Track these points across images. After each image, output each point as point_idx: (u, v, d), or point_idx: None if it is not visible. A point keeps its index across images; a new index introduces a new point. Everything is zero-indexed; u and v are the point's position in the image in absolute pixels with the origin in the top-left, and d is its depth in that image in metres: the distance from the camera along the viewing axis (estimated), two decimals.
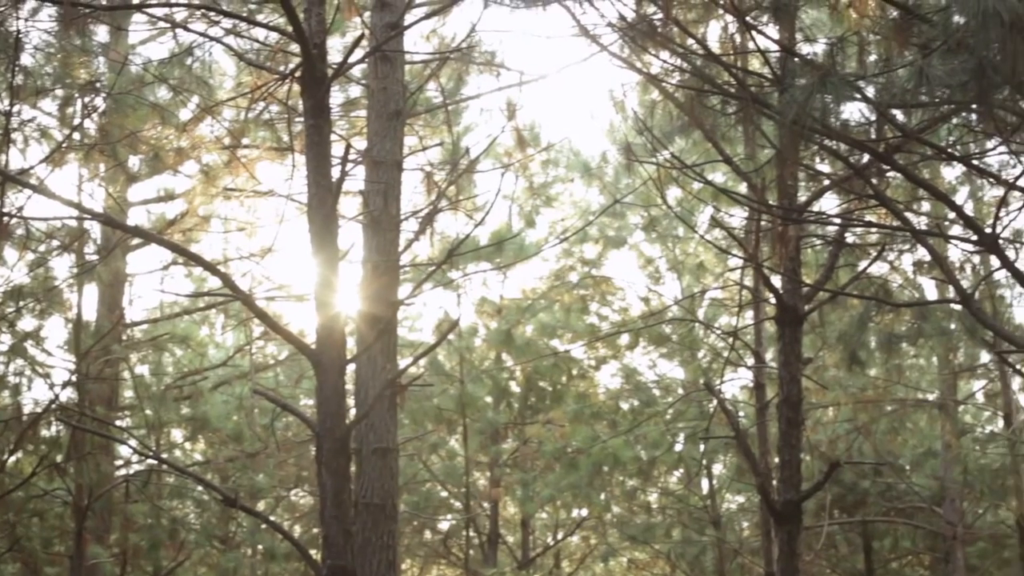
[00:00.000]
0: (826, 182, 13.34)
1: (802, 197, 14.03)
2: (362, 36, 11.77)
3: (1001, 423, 24.49)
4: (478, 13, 18.01)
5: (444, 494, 28.32)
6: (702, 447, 25.09)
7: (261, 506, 26.08)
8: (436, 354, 25.36)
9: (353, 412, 12.98)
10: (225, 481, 23.74)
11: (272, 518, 21.74)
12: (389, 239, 13.85)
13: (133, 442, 19.11)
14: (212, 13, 13.30)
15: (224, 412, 22.55)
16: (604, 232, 27.51)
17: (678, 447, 26.11)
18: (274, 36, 13.44)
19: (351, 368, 12.26)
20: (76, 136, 16.20)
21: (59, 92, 16.26)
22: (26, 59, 14.17)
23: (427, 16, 14.90)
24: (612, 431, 24.55)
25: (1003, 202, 10.56)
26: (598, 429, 24.80)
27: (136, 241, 21.25)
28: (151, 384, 21.51)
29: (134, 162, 20.48)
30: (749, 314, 20.14)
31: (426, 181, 15.76)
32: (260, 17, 14.96)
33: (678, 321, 24.28)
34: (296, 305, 22.13)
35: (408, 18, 14.51)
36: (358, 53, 11.76)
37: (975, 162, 11.68)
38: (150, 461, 20.70)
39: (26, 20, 13.17)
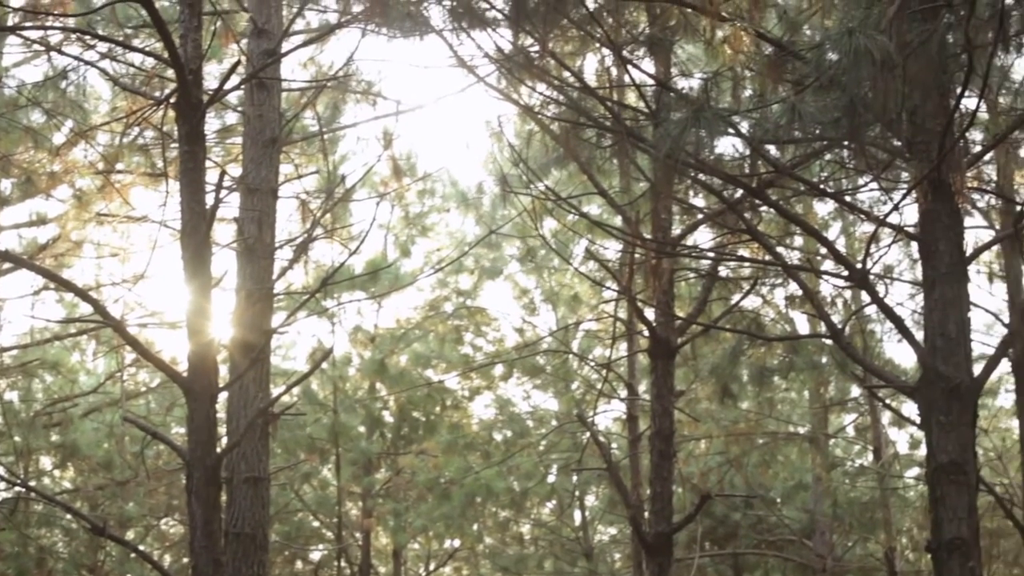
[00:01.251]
0: (700, 216, 13.44)
1: (676, 230, 14.13)
2: (239, 63, 11.69)
3: (871, 457, 24.81)
4: (356, 42, 17.90)
5: (316, 524, 28.06)
6: (575, 478, 25.15)
7: (131, 535, 25.66)
8: (309, 383, 25.17)
9: (225, 441, 12.84)
10: (94, 509, 23.35)
11: (142, 547, 21.44)
12: (263, 267, 13.73)
13: (1, 469, 18.73)
14: (88, 37, 13.13)
15: (94, 439, 22.21)
16: (480, 263, 27.52)
17: (551, 478, 26.15)
18: (150, 61, 13.29)
19: (223, 396, 12.11)
20: None
21: None
22: None
23: (304, 44, 14.83)
24: (485, 462, 24.52)
25: (873, 238, 10.70)
26: (471, 460, 24.76)
27: (7, 266, 20.87)
28: (20, 410, 21.12)
29: (6, 186, 20.12)
30: (623, 346, 20.25)
31: (301, 209, 15.68)
32: (136, 42, 14.78)
33: (552, 352, 24.35)
34: (168, 332, 21.90)
35: (285, 45, 14.41)
36: (235, 80, 11.68)
37: (847, 198, 11.83)
38: (18, 489, 20.28)
39: None
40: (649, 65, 12.39)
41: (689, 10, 11.23)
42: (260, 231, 13.79)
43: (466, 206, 27.14)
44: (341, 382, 25.90)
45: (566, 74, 11.67)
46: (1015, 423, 17.71)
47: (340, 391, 25.54)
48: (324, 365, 24.55)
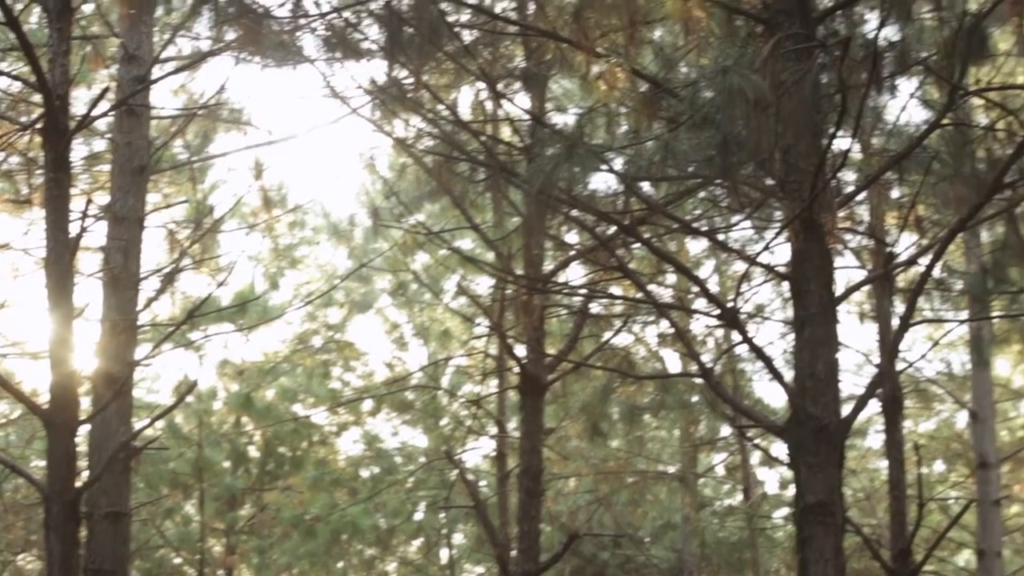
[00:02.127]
0: (572, 252, 13.41)
1: (548, 266, 14.09)
2: (108, 89, 11.47)
3: (740, 497, 24.95)
4: (228, 70, 17.72)
5: (178, 560, 27.57)
6: (442, 516, 24.98)
7: None
8: (174, 416, 24.77)
9: (85, 475, 12.56)
10: None
11: None
12: (128, 297, 13.51)
13: None
14: None
15: None
16: (350, 296, 27.32)
17: (418, 516, 25.98)
18: (17, 85, 13.05)
19: (84, 429, 11.85)
20: None
21: None
22: None
23: (176, 71, 14.64)
24: (351, 499, 24.31)
25: (745, 277, 10.74)
26: (337, 496, 24.53)
27: None
28: None
29: None
30: (493, 383, 20.16)
31: (169, 239, 15.43)
32: (3, 65, 14.49)
33: (422, 388, 24.21)
34: (30, 363, 21.40)
35: (156, 72, 14.21)
36: (104, 106, 11.47)
37: (719, 237, 11.86)
38: None
39: None
40: (524, 99, 12.38)
41: (565, 45, 11.21)
42: (126, 261, 13.57)
43: (337, 238, 26.97)
44: (206, 416, 25.53)
45: (440, 107, 11.60)
46: (884, 463, 17.88)
47: (205, 425, 25.17)
48: (189, 398, 24.22)
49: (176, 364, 34.56)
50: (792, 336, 10.06)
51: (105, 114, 13.18)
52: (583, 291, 13.96)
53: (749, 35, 10.31)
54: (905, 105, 10.92)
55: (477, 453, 26.71)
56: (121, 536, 13.03)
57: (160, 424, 23.19)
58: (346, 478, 25.99)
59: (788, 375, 10.06)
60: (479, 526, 23.38)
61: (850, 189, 11.21)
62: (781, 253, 11.21)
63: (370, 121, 11.69)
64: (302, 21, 11.23)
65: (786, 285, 10.36)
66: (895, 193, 11.98)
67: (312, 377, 26.31)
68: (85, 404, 11.90)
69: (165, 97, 17.17)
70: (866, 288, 13.77)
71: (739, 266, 16.62)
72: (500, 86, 11.94)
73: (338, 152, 45.60)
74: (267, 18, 11.15)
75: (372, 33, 11.13)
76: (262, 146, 15.51)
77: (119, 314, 13.32)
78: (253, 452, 26.58)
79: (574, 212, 10.89)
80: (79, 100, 15.98)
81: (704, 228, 11.82)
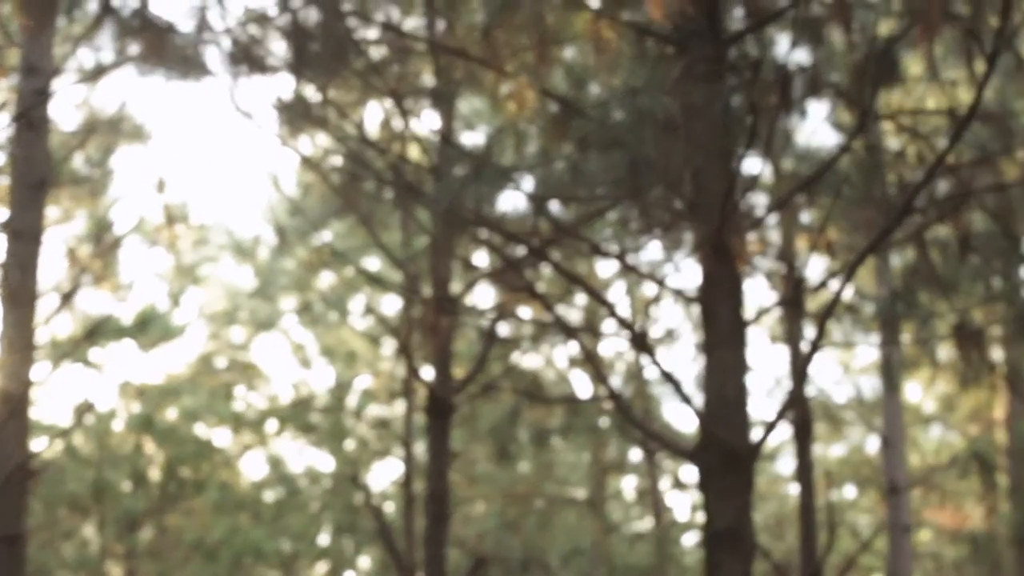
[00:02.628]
0: (480, 273, 13.30)
1: (456, 287, 13.97)
2: (6, 101, 11.22)
3: (650, 521, 24.90)
4: (131, 83, 17.48)
5: None
6: (348, 540, 24.74)
7: None
8: (72, 437, 24.39)
9: None
10: None
11: None
12: (26, 314, 13.22)
13: None
14: None
15: None
16: (255, 316, 27.03)
17: (323, 540, 25.73)
18: None
19: None
20: None
21: None
22: None
23: (77, 84, 14.37)
24: (255, 522, 24.01)
25: (654, 300, 10.64)
26: (240, 520, 24.23)
27: None
28: None
29: None
30: (400, 405, 19.98)
31: (69, 255, 15.14)
32: None
33: (327, 410, 23.98)
34: None
35: (58, 85, 13.94)
36: (3, 118, 11.19)
37: (629, 259, 11.77)
38: None
39: None
40: (432, 118, 12.25)
41: (474, 63, 11.10)
42: (24, 277, 13.28)
43: (241, 257, 26.68)
44: (106, 437, 25.16)
45: (347, 124, 11.45)
46: (794, 488, 17.92)
47: (105, 446, 24.81)
48: (88, 418, 23.86)
49: (75, 383, 34.01)
50: (702, 360, 9.99)
51: (4, 127, 12.91)
52: (491, 313, 13.85)
53: (660, 57, 10.25)
54: (816, 128, 10.91)
55: (383, 476, 26.51)
56: (17, 560, 12.75)
57: (58, 445, 22.84)
58: (249, 501, 25.70)
59: (698, 399, 9.98)
60: (385, 550, 23.21)
61: (760, 212, 11.17)
62: (691, 276, 11.16)
63: (276, 137, 11.52)
64: (206, 35, 11.03)
65: (696, 308, 10.29)
66: (805, 217, 11.96)
67: (215, 398, 26.00)
68: None
69: (67, 111, 16.90)
70: (776, 312, 13.78)
71: (649, 289, 16.57)
72: (408, 104, 11.80)
73: (243, 169, 45.21)
74: (170, 32, 10.95)
75: (278, 48, 10.96)
76: (166, 161, 15.29)
77: (16, 332, 13.04)
78: (154, 474, 26.23)
79: (482, 232, 10.77)
80: None
81: (613, 250, 11.72)
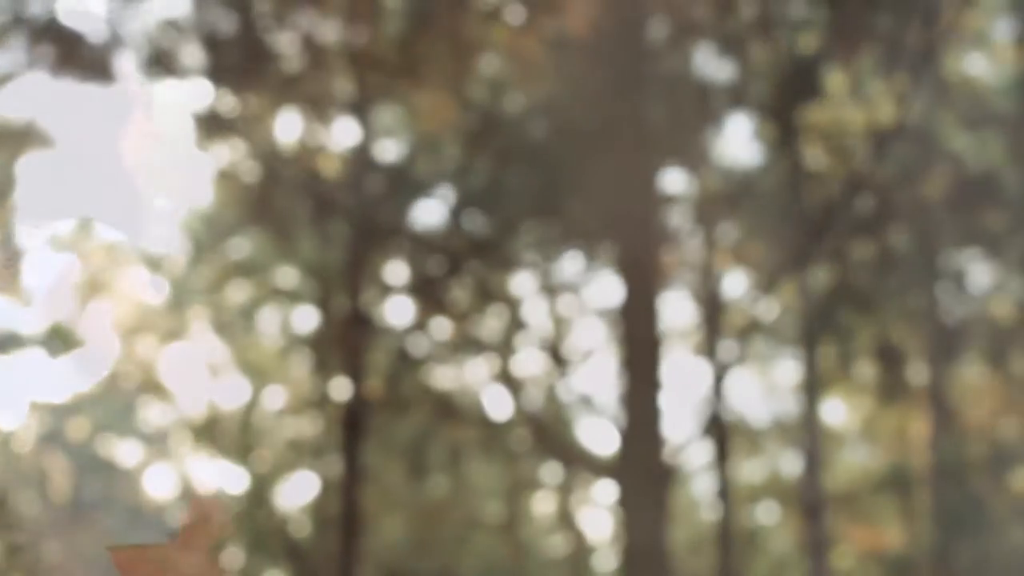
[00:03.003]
0: (396, 287, 13.16)
1: (371, 301, 13.81)
2: None
3: (566, 541, 24.76)
4: (40, 89, 17.21)
5: None
6: (259, 558, 24.41)
7: None
8: None
9: None
10: None
11: None
12: None
13: None
14: None
15: None
16: (164, 328, 26.66)
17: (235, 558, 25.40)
18: None
19: None
20: None
21: None
22: None
23: None
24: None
25: (573, 316, 10.53)
26: (148, 537, 23.90)
27: None
28: None
29: None
30: (314, 420, 19.74)
31: None
32: None
33: (238, 425, 23.66)
34: None
35: None
36: None
37: (548, 274, 11.67)
38: None
39: None
40: (350, 128, 12.10)
41: (392, 74, 10.97)
42: None
43: (152, 267, 26.31)
44: (8, 452, 24.71)
45: (261, 134, 11.28)
46: (712, 508, 17.89)
47: (9, 462, 24.36)
48: None
49: None
50: (621, 377, 9.89)
51: None
52: (407, 327, 13.71)
53: (580, 70, 10.14)
54: (737, 144, 10.84)
55: (295, 493, 26.21)
56: None
57: None
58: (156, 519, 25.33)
59: (617, 417, 9.87)
60: (295, 568, 22.95)
61: (681, 229, 11.09)
62: (610, 292, 11.07)
63: (189, 146, 11.33)
64: (118, 42, 10.84)
65: (615, 325, 10.20)
66: (727, 233, 11.89)
67: (122, 412, 25.62)
68: None
69: None
70: (696, 329, 13.70)
71: (568, 305, 16.47)
72: (327, 114, 11.64)
73: (156, 177, 44.82)
74: (81, 41, 10.76)
75: (193, 56, 10.78)
76: (73, 167, 15.05)
77: None
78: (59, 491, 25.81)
79: (399, 245, 10.63)
80: None
81: (532, 265, 11.62)
